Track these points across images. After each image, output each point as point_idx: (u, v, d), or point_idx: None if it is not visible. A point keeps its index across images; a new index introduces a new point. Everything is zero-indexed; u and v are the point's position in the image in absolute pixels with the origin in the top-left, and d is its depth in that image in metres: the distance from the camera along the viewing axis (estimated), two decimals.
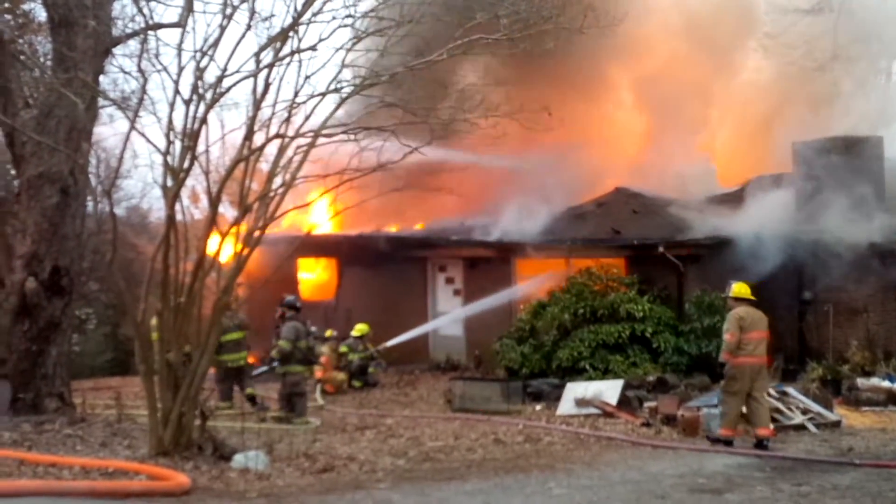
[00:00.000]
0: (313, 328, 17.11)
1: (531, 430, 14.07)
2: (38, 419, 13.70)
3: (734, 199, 19.81)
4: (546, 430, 14.07)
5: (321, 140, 11.83)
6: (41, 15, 17.18)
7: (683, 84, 21.28)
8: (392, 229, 24.04)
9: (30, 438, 12.88)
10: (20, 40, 16.69)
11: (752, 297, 13.11)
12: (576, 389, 16.15)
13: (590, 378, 16.84)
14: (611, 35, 15.45)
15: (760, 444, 12.53)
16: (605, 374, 17.00)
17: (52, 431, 13.26)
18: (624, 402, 15.54)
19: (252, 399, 16.63)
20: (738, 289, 13.21)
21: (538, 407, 16.27)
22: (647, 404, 15.06)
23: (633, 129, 22.49)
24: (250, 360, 21.43)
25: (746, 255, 17.08)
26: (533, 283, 20.32)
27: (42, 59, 16.43)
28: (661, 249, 18.39)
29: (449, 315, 22.16)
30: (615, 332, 17.60)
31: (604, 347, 17.54)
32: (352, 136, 11.96)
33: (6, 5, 17.36)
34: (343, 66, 12.04)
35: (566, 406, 15.85)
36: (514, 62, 18.51)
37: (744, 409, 12.81)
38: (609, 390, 15.87)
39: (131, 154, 12.95)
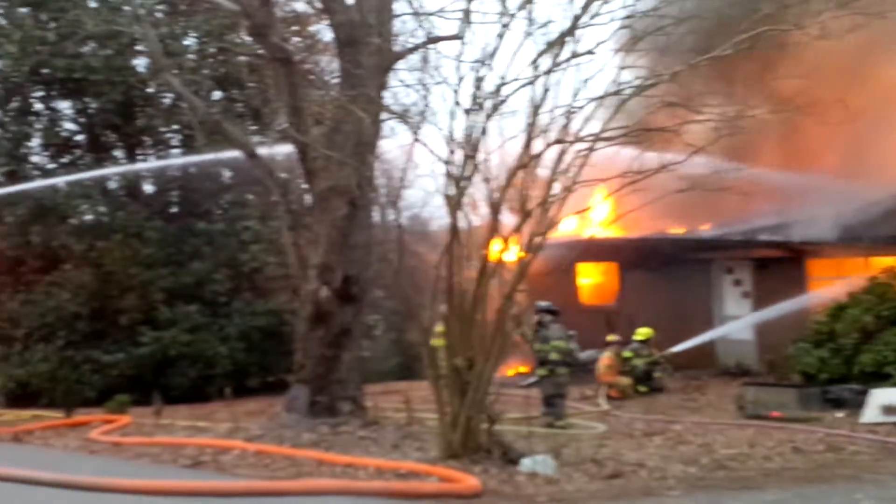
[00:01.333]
0: (571, 332, 17.39)
1: (832, 438, 13.57)
2: (334, 421, 14.64)
3: None
4: (849, 438, 13.51)
5: (601, 143, 11.97)
6: (327, 36, 18.39)
7: None
8: (675, 231, 23.78)
9: (327, 440, 13.82)
10: (309, 61, 17.85)
11: None
12: (882, 396, 15.39)
13: None
14: None
15: None
16: None
17: (347, 433, 14.16)
18: None
19: None
20: None
21: (838, 414, 15.62)
22: None
23: None
24: (523, 369, 21.97)
25: None
26: (830, 284, 19.54)
27: (329, 78, 17.52)
28: None
29: (743, 319, 21.67)
30: None
31: None
32: (632, 139, 12.03)
33: (295, 28, 18.72)
34: (622, 67, 12.14)
35: (871, 413, 15.14)
36: (804, 53, 17.82)
37: None
38: None
39: (413, 164, 13.59)
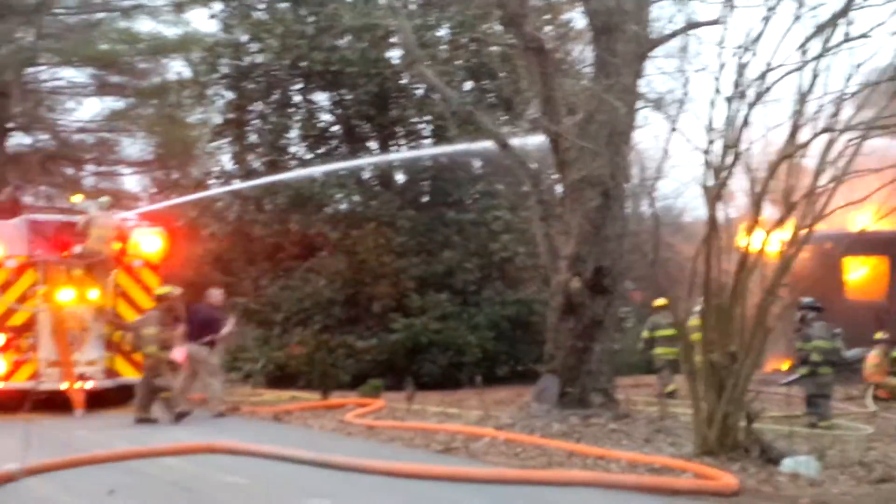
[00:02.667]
0: (836, 329, 16.91)
1: None
2: (584, 413, 14.80)
3: None
4: None
5: (875, 132, 11.61)
6: (581, 23, 18.57)
7: None
8: None
9: (577, 431, 14.02)
10: (562, 50, 18.08)
11: None
12: None
13: None
14: None
15: None
16: None
17: (597, 425, 14.29)
18: None
19: (671, 395, 18.91)
20: None
21: None
22: None
23: None
24: (784, 365, 21.55)
25: None
26: None
27: (582, 67, 17.69)
28: None
29: None
30: None
31: None
32: None
33: (548, 17, 19.01)
34: None
35: None
36: None
37: None
38: None
39: (666, 154, 13.58)
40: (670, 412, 15.27)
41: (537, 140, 16.95)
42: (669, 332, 19.51)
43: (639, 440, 13.33)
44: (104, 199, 20.98)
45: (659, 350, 20.53)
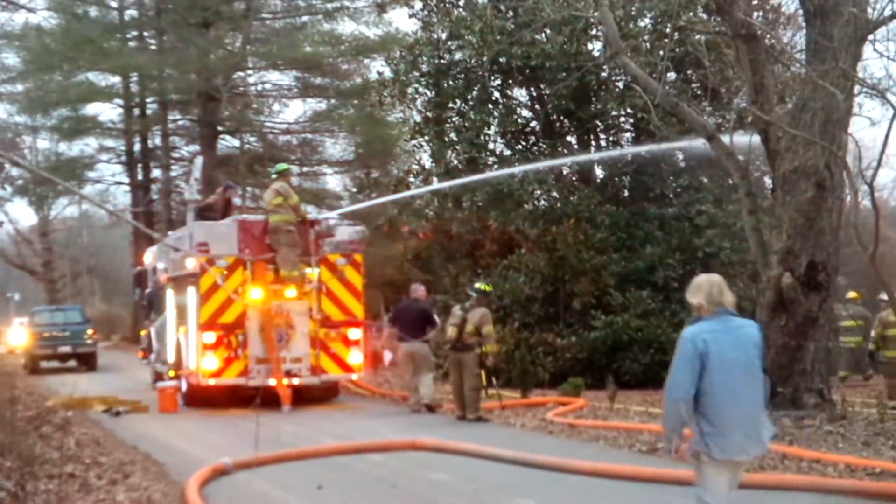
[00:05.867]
0: None
1: None
2: (797, 414, 14.35)
3: None
4: None
5: None
6: (790, 8, 17.98)
7: None
8: None
9: (790, 433, 13.55)
10: (772, 35, 17.55)
11: None
12: None
13: None
14: None
15: None
16: None
17: (811, 427, 13.81)
18: None
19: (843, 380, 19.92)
20: None
21: None
22: None
23: None
24: None
25: None
26: None
27: (793, 53, 17.11)
28: None
29: None
30: None
31: None
32: None
33: (755, 2, 18.48)
34: None
35: None
36: None
37: None
38: None
39: (886, 142, 12.94)
40: (891, 414, 14.58)
41: (745, 131, 16.50)
42: (850, 322, 20.58)
43: (857, 443, 12.80)
44: (280, 165, 21.29)
45: (841, 339, 21.02)
